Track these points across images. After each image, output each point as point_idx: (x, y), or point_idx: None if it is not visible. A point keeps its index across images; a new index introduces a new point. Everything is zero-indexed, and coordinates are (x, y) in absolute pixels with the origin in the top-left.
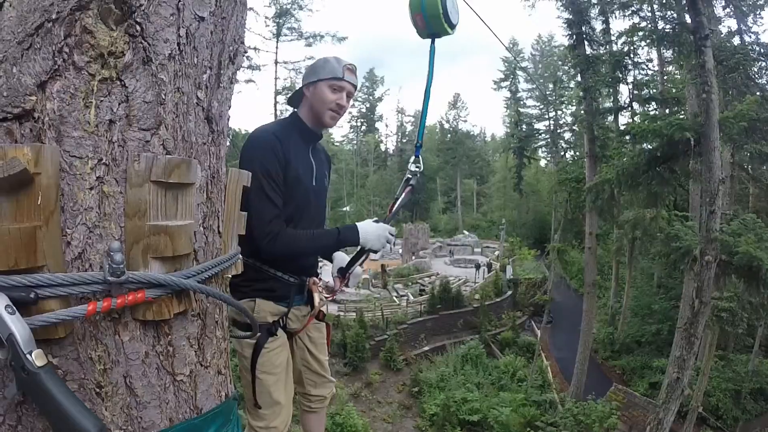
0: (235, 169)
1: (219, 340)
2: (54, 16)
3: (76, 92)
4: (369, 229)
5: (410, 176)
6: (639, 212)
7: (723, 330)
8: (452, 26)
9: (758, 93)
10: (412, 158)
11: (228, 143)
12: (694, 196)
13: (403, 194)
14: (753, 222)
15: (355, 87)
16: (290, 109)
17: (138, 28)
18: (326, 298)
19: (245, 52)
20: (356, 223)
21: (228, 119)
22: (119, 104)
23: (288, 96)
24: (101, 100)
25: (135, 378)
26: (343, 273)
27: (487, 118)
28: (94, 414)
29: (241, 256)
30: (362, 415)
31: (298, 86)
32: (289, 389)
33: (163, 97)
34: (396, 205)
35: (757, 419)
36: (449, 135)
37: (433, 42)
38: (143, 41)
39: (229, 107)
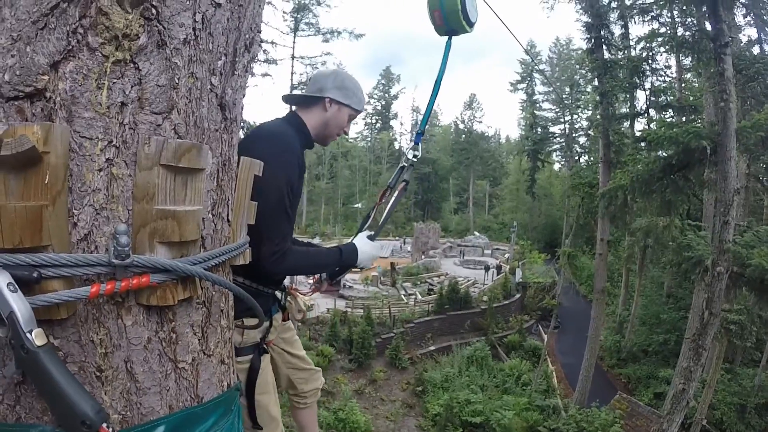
0: (247, 158)
1: (223, 330)
2: None
3: (89, 73)
4: (366, 250)
5: (405, 165)
6: (652, 220)
7: (731, 343)
8: (470, 24)
9: None
10: (411, 145)
11: (242, 135)
12: (708, 206)
13: (396, 193)
14: (767, 234)
15: None
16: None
17: (154, 11)
18: (307, 294)
19: (261, 41)
20: (354, 243)
21: (242, 108)
22: (132, 87)
23: (295, 94)
24: (114, 82)
25: (136, 363)
26: (332, 278)
27: (503, 120)
28: (93, 397)
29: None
30: (365, 411)
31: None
32: (277, 401)
33: (177, 81)
34: (388, 210)
35: None
36: (464, 135)
37: (449, 39)
38: (158, 25)
39: (243, 95)
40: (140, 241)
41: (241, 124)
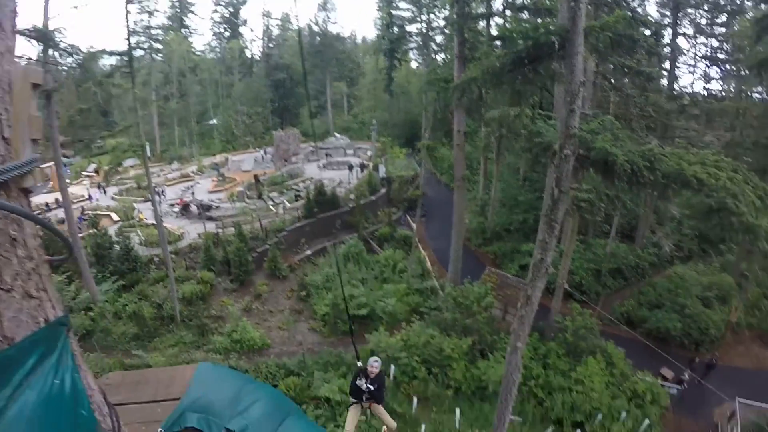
0: (21, 65)
1: (22, 260)
2: None
3: None
4: None
5: None
6: (504, 110)
7: (583, 218)
8: None
9: (629, 12)
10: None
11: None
12: (558, 100)
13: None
14: (611, 123)
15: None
16: None
17: None
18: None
19: None
20: None
21: (12, 12)
22: None
23: None
24: None
25: None
26: None
27: (358, 21)
28: None
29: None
30: (257, 327)
31: None
32: None
33: None
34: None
35: (616, 293)
36: (318, 38)
37: None
38: None
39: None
40: None
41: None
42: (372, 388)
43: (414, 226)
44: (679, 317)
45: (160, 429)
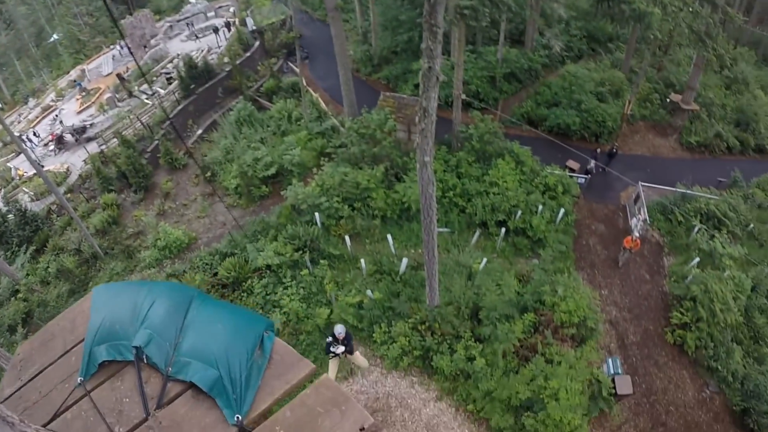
0: None
1: None
2: None
3: None
4: None
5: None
6: None
7: (469, 26)
8: None
9: None
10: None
11: None
12: None
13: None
14: None
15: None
16: None
17: None
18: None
19: None
20: None
21: None
22: None
23: None
24: None
25: None
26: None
27: None
28: None
29: None
30: (176, 226)
31: None
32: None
33: None
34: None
35: (513, 97)
36: None
37: None
38: None
39: None
40: None
41: None
42: (344, 347)
43: (298, 70)
44: (577, 112)
45: (79, 379)
